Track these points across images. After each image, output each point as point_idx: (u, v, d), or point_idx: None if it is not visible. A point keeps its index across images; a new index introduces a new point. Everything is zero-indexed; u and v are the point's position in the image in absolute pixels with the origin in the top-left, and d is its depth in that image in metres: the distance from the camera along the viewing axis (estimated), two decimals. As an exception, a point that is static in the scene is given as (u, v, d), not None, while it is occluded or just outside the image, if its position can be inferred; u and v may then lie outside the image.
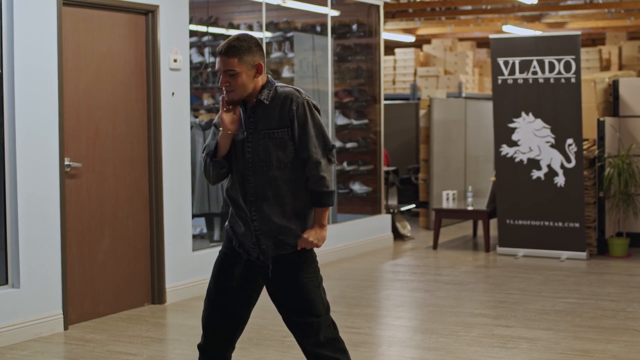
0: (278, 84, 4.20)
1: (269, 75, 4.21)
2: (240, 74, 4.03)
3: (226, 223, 4.34)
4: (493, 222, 11.61)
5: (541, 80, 10.23)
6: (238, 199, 4.19)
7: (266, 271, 4.19)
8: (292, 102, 4.10)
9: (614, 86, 10.85)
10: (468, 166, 14.03)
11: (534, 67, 10.24)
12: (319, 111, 4.20)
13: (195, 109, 9.35)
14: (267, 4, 9.44)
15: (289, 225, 4.15)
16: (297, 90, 4.16)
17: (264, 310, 7.60)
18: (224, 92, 4.11)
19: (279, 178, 4.12)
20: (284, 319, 4.27)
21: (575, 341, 6.57)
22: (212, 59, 9.70)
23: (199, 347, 4.37)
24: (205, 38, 9.57)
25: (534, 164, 10.33)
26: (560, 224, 10.21)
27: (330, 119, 10.59)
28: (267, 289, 4.30)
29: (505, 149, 10.47)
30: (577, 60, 10.03)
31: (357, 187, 11.52)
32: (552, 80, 10.16)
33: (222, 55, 4.04)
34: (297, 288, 4.18)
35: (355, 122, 11.44)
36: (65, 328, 6.98)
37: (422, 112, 13.42)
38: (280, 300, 4.24)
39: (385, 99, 13.66)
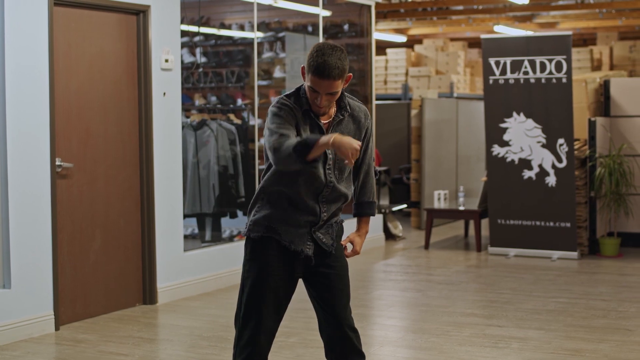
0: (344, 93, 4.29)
1: None
2: (339, 91, 4.09)
3: (252, 232, 4.24)
4: (484, 222, 11.63)
5: (532, 80, 10.24)
6: (303, 198, 4.15)
7: (325, 260, 4.24)
8: (366, 118, 4.30)
9: (605, 86, 10.88)
10: (459, 166, 14.05)
11: (525, 67, 10.26)
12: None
13: (186, 109, 9.34)
14: (259, 4, 9.42)
15: (338, 213, 4.33)
16: (362, 104, 4.36)
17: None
18: (317, 108, 4.10)
19: (345, 184, 4.27)
20: (326, 305, 4.26)
21: (566, 341, 6.58)
22: (203, 59, 9.69)
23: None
24: (197, 38, 9.56)
25: (525, 164, 10.35)
26: (551, 224, 10.23)
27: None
28: (316, 279, 4.28)
29: (497, 149, 10.48)
30: (569, 61, 10.05)
31: (349, 187, 11.50)
32: (543, 80, 10.18)
33: (328, 79, 3.98)
34: (342, 264, 4.34)
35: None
36: (57, 328, 6.97)
37: (413, 112, 13.43)
38: (326, 283, 4.27)
39: (377, 99, 13.66)
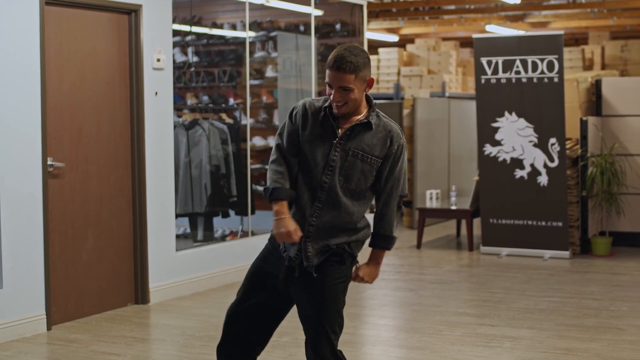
0: (378, 110, 4.23)
1: (368, 93, 4.20)
2: (354, 90, 4.04)
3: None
4: (476, 222, 11.64)
5: (524, 80, 10.25)
6: (302, 199, 4.16)
7: (306, 279, 4.15)
8: (395, 139, 4.16)
9: (597, 86, 10.89)
10: (451, 166, 14.05)
11: (517, 67, 10.27)
12: None
13: (178, 109, 9.33)
14: (251, 4, 9.42)
15: (341, 238, 4.16)
16: (400, 129, 4.23)
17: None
18: (335, 106, 4.09)
19: (351, 197, 4.14)
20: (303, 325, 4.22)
21: (558, 340, 6.59)
22: (195, 59, 9.68)
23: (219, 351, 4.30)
24: (189, 38, 9.55)
25: (517, 163, 10.36)
26: (543, 223, 10.24)
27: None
28: (295, 298, 4.24)
29: (489, 149, 10.49)
30: (560, 60, 10.06)
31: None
32: (535, 80, 10.19)
33: (338, 71, 4.00)
34: (322, 288, 4.15)
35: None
36: (49, 328, 6.96)
37: (405, 111, 13.43)
38: (302, 305, 4.19)
39: (369, 99, 13.60)
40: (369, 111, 4.16)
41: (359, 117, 4.14)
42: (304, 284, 4.15)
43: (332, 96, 4.06)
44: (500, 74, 10.37)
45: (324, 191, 4.11)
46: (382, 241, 4.22)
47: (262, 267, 4.28)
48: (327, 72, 4.04)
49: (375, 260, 4.25)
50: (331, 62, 4.01)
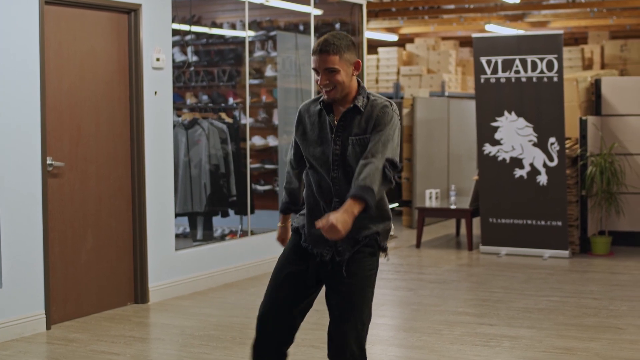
0: (369, 91, 4.16)
1: (359, 79, 4.17)
2: (340, 71, 4.01)
3: (294, 222, 4.32)
4: (476, 221, 11.63)
5: (524, 79, 10.25)
6: (319, 200, 4.17)
7: (337, 271, 4.13)
8: (381, 109, 4.06)
9: (596, 85, 10.90)
10: (451, 165, 14.06)
11: (517, 66, 10.27)
12: (401, 130, 4.17)
13: (178, 108, 9.33)
14: (250, 3, 9.42)
15: (367, 229, 4.11)
16: (390, 103, 4.13)
17: (247, 309, 7.61)
18: (324, 91, 4.07)
19: None
20: (330, 315, 4.21)
21: (557, 339, 6.59)
22: (194, 58, 9.68)
23: (253, 347, 4.31)
24: (188, 37, 9.55)
25: (517, 162, 10.36)
26: (542, 223, 10.24)
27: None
28: (327, 289, 4.23)
29: (488, 148, 10.49)
30: (560, 59, 10.06)
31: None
32: (534, 79, 10.19)
33: (322, 53, 4.00)
34: (353, 279, 4.13)
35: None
36: (48, 328, 6.96)
37: (405, 111, 13.43)
38: (333, 296, 4.18)
39: (369, 98, 13.60)
40: (359, 94, 4.10)
41: (349, 103, 4.11)
42: (335, 275, 4.14)
43: (319, 81, 4.05)
44: (500, 74, 10.37)
45: (336, 186, 4.10)
46: (358, 189, 3.85)
47: (288, 261, 4.27)
48: (312, 58, 4.04)
49: (349, 208, 3.83)
50: (315, 46, 4.03)
